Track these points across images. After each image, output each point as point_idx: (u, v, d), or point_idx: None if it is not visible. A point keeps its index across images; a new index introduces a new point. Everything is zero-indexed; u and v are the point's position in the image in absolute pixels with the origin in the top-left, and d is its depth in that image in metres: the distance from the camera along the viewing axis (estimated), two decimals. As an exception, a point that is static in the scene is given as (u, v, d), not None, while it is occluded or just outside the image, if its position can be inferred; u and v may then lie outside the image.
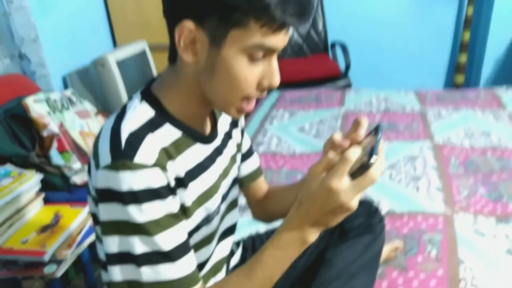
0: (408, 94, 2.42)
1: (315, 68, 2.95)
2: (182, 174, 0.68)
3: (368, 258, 0.97)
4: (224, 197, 0.82)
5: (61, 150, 1.55)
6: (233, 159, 0.85)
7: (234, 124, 0.88)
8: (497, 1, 3.00)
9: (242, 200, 1.46)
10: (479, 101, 2.23)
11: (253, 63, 0.63)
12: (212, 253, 0.82)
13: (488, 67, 3.25)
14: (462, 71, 3.27)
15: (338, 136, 0.63)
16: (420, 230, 1.29)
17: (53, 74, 2.01)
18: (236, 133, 0.89)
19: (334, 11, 3.28)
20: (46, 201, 1.46)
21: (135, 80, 2.30)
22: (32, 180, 1.39)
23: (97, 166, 0.62)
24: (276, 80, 0.65)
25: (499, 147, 1.75)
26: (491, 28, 3.09)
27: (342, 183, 0.55)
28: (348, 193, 0.55)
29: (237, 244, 1.04)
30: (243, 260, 1.02)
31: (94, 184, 0.63)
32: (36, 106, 1.54)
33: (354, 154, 0.55)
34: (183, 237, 0.66)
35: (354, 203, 0.56)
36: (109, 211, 0.62)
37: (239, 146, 0.91)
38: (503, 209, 1.36)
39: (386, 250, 1.16)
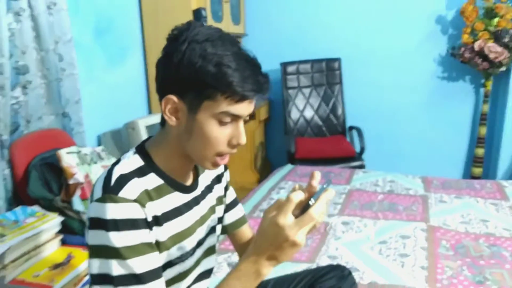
0: (414, 179, 2.50)
1: (331, 148, 3.13)
2: (159, 213, 0.82)
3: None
4: (200, 243, 0.94)
5: (83, 198, 1.73)
6: (211, 209, 0.98)
7: (217, 179, 1.02)
8: (510, 100, 3.13)
9: (235, 258, 1.57)
10: (483, 191, 2.27)
11: (222, 126, 0.80)
12: None
13: (505, 160, 3.30)
14: (480, 164, 3.32)
15: (297, 187, 0.79)
16: (397, 302, 1.34)
17: (89, 132, 2.24)
18: (218, 188, 1.03)
19: (353, 99, 3.52)
20: (63, 242, 1.59)
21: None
22: (53, 221, 1.54)
23: (91, 200, 0.78)
24: (243, 139, 0.82)
25: (494, 234, 1.78)
26: (505, 124, 3.19)
27: (286, 219, 0.69)
28: (292, 228, 0.69)
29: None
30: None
31: (88, 215, 0.78)
32: (67, 157, 1.75)
33: (296, 195, 0.70)
34: (155, 265, 0.78)
35: (299, 238, 0.69)
36: (94, 237, 0.76)
37: (220, 199, 1.04)
38: (484, 293, 1.39)
39: (358, 316, 1.20)
